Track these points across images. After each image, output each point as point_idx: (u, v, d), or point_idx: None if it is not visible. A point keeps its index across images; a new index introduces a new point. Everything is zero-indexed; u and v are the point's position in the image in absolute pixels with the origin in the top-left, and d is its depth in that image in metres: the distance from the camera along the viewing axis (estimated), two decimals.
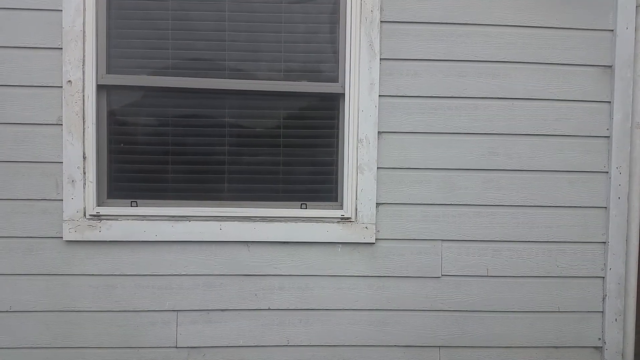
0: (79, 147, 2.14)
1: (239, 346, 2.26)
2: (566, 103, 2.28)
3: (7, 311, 2.17)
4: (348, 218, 2.25)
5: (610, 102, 2.29)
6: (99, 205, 2.20)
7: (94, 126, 2.16)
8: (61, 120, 2.14)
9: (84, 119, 2.15)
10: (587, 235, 2.32)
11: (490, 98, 2.26)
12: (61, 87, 2.13)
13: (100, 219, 2.17)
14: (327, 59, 2.28)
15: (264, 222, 2.22)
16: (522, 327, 2.34)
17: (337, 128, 2.30)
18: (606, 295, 2.33)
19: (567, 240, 2.32)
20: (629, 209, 2.30)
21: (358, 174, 2.24)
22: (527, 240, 2.31)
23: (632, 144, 2.29)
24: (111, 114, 2.23)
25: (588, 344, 2.36)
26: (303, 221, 2.24)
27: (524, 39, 2.26)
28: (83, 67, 2.13)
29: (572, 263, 2.33)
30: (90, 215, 2.16)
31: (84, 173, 2.16)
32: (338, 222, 2.25)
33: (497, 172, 2.28)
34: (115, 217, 2.18)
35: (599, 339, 2.36)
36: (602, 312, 2.35)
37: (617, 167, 2.28)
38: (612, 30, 2.27)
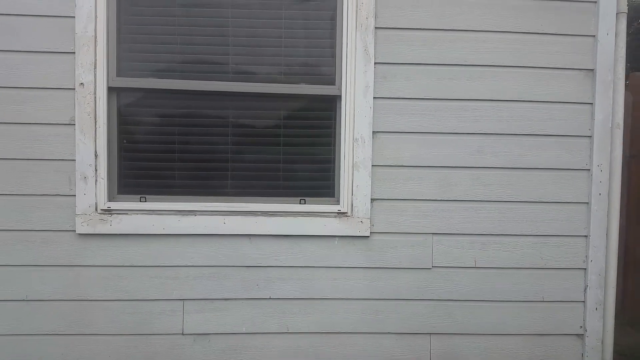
0: (91, 145, 2.27)
1: (242, 333, 2.39)
2: (550, 104, 2.40)
3: (23, 300, 2.30)
4: (344, 213, 2.38)
5: (592, 103, 2.41)
6: (109, 201, 2.32)
7: (105, 126, 2.29)
8: (74, 121, 2.26)
9: (95, 119, 2.27)
10: (570, 230, 2.45)
11: (479, 100, 2.38)
12: (74, 89, 2.25)
13: (111, 214, 2.30)
14: (325, 63, 2.41)
15: (265, 217, 2.35)
16: (509, 316, 2.46)
17: (334, 128, 2.42)
18: (587, 285, 2.46)
19: (550, 234, 2.44)
20: (609, 205, 2.43)
21: (354, 171, 2.36)
22: (513, 233, 2.43)
23: (612, 144, 2.41)
24: (121, 114, 2.36)
25: (570, 332, 2.48)
26: (302, 215, 2.37)
27: (511, 44, 2.38)
28: (95, 71, 2.25)
29: (556, 255, 2.45)
30: (101, 209, 2.29)
31: (96, 170, 2.28)
32: (335, 216, 2.38)
33: (485, 169, 2.41)
34: (126, 212, 2.31)
35: (581, 327, 2.48)
36: (583, 302, 2.47)
37: (598, 165, 2.41)
38: (594, 36, 2.39)
